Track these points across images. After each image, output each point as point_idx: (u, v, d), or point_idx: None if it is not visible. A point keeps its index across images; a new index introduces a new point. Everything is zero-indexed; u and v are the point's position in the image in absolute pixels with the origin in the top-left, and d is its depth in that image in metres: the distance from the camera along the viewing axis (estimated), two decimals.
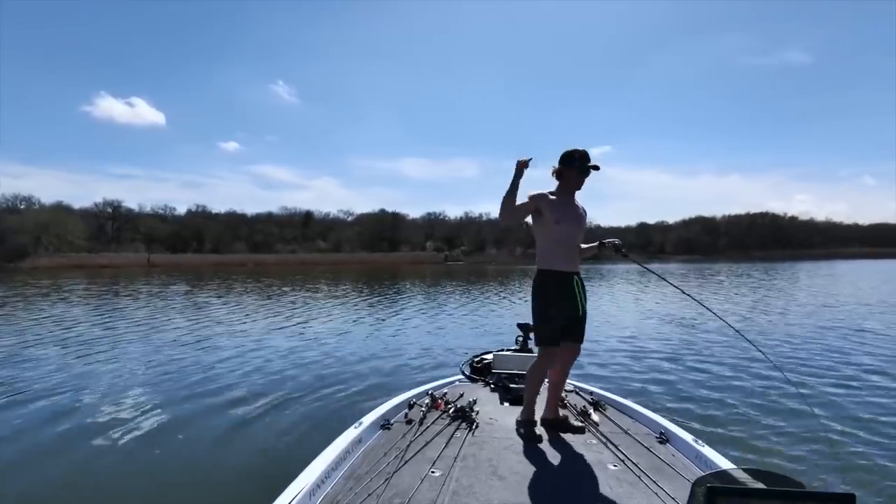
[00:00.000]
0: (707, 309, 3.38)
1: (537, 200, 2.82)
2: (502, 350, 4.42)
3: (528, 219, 2.94)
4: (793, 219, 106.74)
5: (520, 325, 4.67)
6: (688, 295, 3.27)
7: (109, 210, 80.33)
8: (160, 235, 79.73)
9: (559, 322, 2.84)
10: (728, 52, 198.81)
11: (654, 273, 3.50)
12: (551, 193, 2.87)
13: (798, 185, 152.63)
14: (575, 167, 2.84)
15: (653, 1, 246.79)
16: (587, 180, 2.90)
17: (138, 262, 63.91)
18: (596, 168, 2.84)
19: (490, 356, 4.29)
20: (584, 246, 3.05)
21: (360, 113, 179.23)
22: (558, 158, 2.91)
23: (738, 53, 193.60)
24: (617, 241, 3.04)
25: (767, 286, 23.13)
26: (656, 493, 2.15)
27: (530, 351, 4.39)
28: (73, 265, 55.27)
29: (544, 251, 2.86)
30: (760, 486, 1.51)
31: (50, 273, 40.34)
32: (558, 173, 2.91)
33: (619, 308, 13.88)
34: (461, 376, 4.23)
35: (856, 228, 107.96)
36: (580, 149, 2.84)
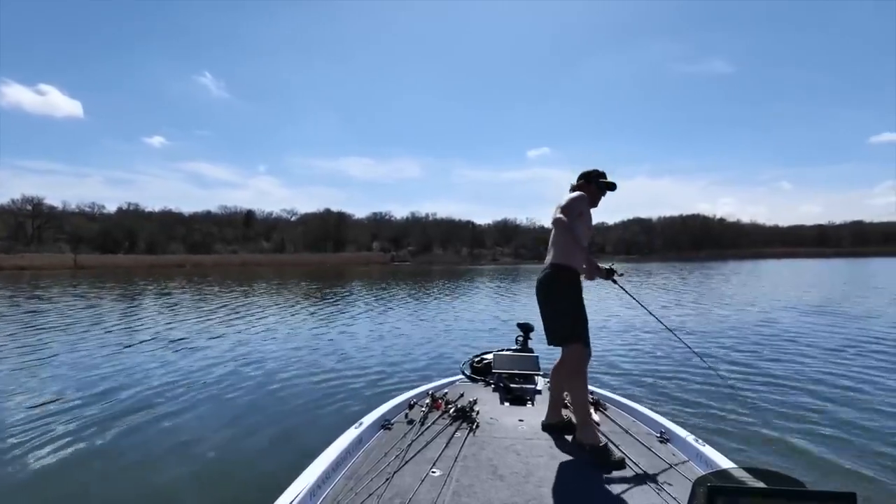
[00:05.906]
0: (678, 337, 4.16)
1: (584, 206, 2.85)
2: (503, 350, 4.40)
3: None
4: (721, 220, 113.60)
5: (520, 325, 4.65)
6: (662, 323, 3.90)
7: (29, 207, 74.08)
8: (88, 235, 74.68)
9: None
10: (658, 58, 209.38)
11: (637, 301, 3.34)
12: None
13: (722, 189, 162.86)
14: (594, 184, 2.95)
15: (588, 5, 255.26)
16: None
17: (63, 263, 59.42)
18: (612, 188, 2.96)
19: (490, 356, 4.27)
20: None
21: (297, 110, 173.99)
22: (576, 176, 3.03)
23: (667, 60, 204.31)
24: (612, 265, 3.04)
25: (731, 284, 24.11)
26: (657, 493, 2.19)
27: (531, 351, 4.41)
28: None
29: (574, 250, 2.77)
30: (761, 485, 1.55)
31: None
32: (576, 188, 2.97)
33: (617, 306, 13.78)
34: (461, 376, 4.22)
35: (776, 230, 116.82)
36: (599, 169, 2.99)
